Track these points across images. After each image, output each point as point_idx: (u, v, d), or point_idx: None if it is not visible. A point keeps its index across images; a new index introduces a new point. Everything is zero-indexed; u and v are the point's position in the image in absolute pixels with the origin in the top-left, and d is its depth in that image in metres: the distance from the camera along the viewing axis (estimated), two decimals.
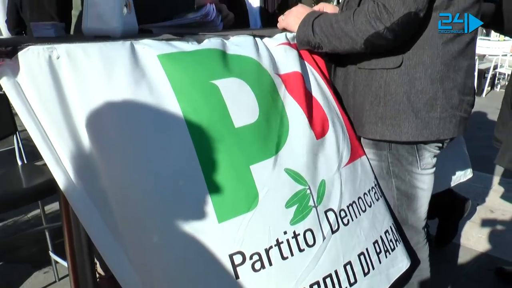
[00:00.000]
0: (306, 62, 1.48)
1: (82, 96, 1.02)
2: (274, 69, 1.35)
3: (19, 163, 2.49)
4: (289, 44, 1.45)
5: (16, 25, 4.36)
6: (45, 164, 1.02)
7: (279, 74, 1.36)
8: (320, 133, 1.38)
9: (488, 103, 6.78)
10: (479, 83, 7.64)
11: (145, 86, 1.08)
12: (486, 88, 7.76)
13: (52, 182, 1.03)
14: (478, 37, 7.15)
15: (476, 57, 7.87)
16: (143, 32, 1.53)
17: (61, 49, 1.01)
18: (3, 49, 0.98)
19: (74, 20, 1.84)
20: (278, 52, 1.41)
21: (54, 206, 2.95)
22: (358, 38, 1.34)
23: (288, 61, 1.40)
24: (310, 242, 1.22)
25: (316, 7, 1.72)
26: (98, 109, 1.03)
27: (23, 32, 4.36)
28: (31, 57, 0.98)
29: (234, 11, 2.38)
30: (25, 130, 1.01)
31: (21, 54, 0.98)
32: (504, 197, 3.54)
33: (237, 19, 2.27)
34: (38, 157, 1.03)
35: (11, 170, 2.40)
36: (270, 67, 1.33)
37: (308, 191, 1.27)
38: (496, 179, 3.90)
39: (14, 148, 2.59)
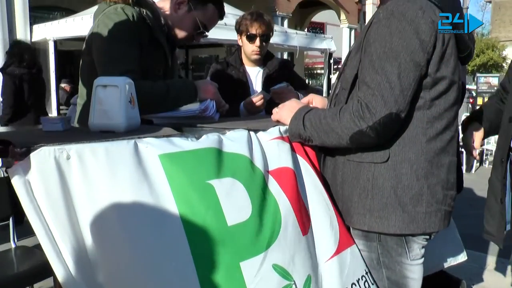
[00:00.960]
0: (297, 155, 1.56)
1: (87, 195, 1.08)
2: (266, 165, 1.43)
3: (13, 245, 2.49)
4: (281, 138, 1.54)
5: (12, 104, 4.53)
6: (38, 244, 1.05)
7: (270, 170, 1.44)
8: (306, 228, 1.45)
9: (478, 179, 6.89)
10: (467, 159, 7.80)
11: (146, 186, 1.15)
12: (475, 164, 7.92)
13: (45, 266, 1.06)
14: (464, 114, 7.37)
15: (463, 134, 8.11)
16: (145, 122, 1.62)
17: (71, 150, 1.09)
18: (18, 150, 1.05)
19: (79, 109, 1.94)
20: (271, 147, 1.49)
21: (43, 285, 2.89)
22: (344, 134, 1.43)
23: (280, 156, 1.48)
24: None
25: (305, 99, 1.85)
26: (101, 208, 1.09)
27: (18, 111, 4.52)
28: (43, 157, 1.05)
29: (239, 91, 2.51)
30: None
31: (33, 155, 1.05)
32: (500, 277, 3.52)
33: (242, 99, 2.42)
34: (30, 232, 1.07)
35: (3, 253, 2.40)
36: (262, 164, 1.42)
37: (294, 286, 1.32)
38: (490, 258, 3.89)
39: (5, 225, 2.60)
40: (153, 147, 1.21)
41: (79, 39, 7.93)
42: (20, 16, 8.76)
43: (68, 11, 12.02)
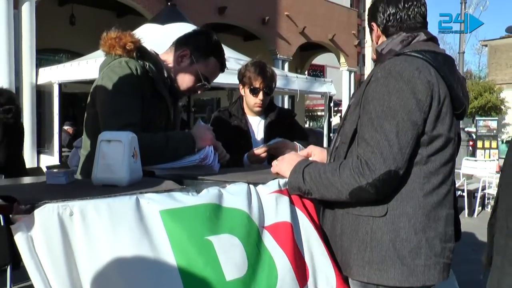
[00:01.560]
0: (296, 208, 1.58)
1: (88, 251, 1.10)
2: (263, 221, 1.46)
3: None
4: (280, 191, 1.56)
5: None
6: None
7: (267, 225, 1.47)
8: (303, 282, 1.46)
9: (481, 224, 6.84)
10: (469, 203, 7.77)
11: (146, 242, 1.17)
12: (477, 208, 7.87)
13: None
14: (465, 158, 7.38)
15: (464, 178, 8.11)
16: (147, 173, 1.65)
17: (74, 206, 1.11)
18: (22, 207, 1.08)
19: (82, 159, 1.98)
20: (269, 200, 1.52)
21: None
22: (343, 190, 1.47)
23: (278, 210, 1.51)
24: None
25: (305, 151, 1.88)
26: (102, 265, 1.10)
27: None
28: (46, 214, 1.08)
29: (241, 141, 2.53)
30: None
31: (37, 212, 1.07)
32: None
33: (244, 149, 2.45)
34: (26, 277, 1.07)
35: None
36: (259, 219, 1.45)
37: None
38: None
39: (2, 270, 2.59)
40: (154, 203, 1.23)
41: (83, 82, 8.11)
42: (27, 59, 8.97)
43: (74, 54, 12.33)
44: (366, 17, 1.75)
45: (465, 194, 7.70)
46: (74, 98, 12.59)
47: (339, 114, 22.68)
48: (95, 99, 1.87)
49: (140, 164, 1.52)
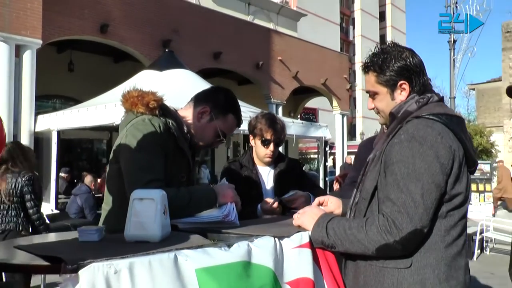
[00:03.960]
0: (318, 263, 1.63)
1: None
2: (286, 277, 1.52)
3: None
4: (302, 245, 1.61)
5: None
6: None
7: (289, 281, 1.53)
8: None
9: (481, 267, 6.86)
10: (468, 246, 7.77)
11: None
12: (476, 251, 7.88)
13: None
14: None
15: None
16: (172, 228, 1.69)
17: (119, 264, 1.17)
18: (69, 267, 1.12)
19: (104, 214, 2.01)
20: (292, 256, 1.57)
21: None
22: (370, 246, 1.54)
23: (300, 266, 1.56)
24: None
25: (322, 198, 1.94)
26: None
27: None
28: (92, 273, 1.13)
29: (252, 192, 2.58)
30: None
31: (82, 272, 1.13)
32: None
33: (255, 199, 2.50)
34: None
35: None
36: (283, 275, 1.51)
37: None
38: None
39: None
40: (191, 260, 1.29)
41: (83, 129, 8.19)
42: (26, 107, 8.98)
43: (69, 99, 12.47)
44: (391, 74, 1.69)
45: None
46: (70, 144, 12.63)
47: (331, 157, 22.81)
48: (118, 156, 1.93)
49: (169, 219, 1.57)
